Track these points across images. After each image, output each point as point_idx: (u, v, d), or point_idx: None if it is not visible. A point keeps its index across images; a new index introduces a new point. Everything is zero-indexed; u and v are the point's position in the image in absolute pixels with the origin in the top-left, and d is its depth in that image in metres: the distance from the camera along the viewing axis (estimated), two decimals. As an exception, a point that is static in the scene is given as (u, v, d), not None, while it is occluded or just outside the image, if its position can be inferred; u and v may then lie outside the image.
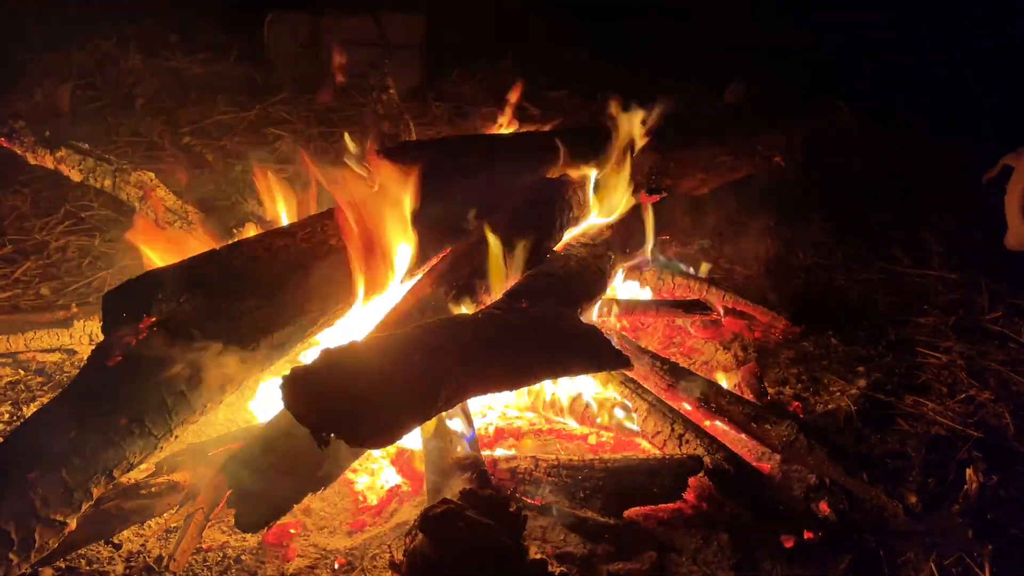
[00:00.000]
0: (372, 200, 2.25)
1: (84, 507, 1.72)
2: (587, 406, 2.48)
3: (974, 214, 3.99)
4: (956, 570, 2.05)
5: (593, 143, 2.90)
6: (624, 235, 2.81)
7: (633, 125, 2.91)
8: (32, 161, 3.48)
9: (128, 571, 1.96)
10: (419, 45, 5.60)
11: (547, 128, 3.11)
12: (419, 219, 2.29)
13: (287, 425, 1.87)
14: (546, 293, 2.29)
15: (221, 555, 2.02)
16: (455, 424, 2.13)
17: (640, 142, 2.90)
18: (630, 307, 2.94)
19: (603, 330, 2.22)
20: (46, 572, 1.90)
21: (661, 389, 2.59)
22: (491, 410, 2.57)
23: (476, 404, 2.52)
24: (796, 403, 2.67)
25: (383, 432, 1.52)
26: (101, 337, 1.92)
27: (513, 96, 2.99)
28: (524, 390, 2.54)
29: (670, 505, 2.17)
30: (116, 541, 2.03)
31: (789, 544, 2.07)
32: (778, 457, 2.40)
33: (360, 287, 2.25)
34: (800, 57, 5.75)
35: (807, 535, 2.09)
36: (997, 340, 3.07)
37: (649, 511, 2.16)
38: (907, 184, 4.42)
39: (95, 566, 1.96)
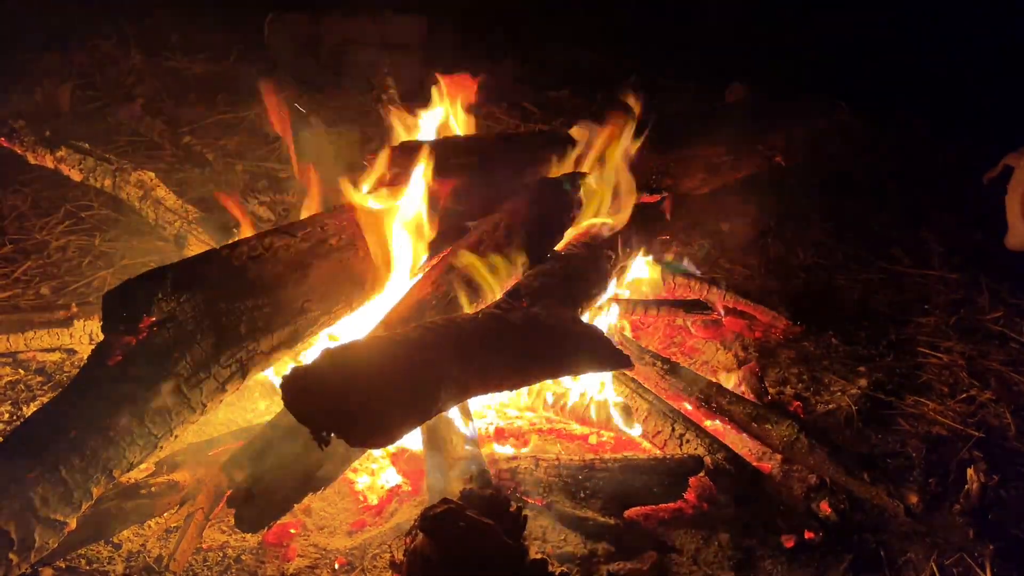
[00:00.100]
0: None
1: (84, 507, 1.72)
2: (587, 406, 2.48)
3: (974, 214, 3.99)
4: (957, 570, 2.05)
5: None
6: (625, 235, 2.80)
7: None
8: (32, 161, 3.47)
9: (128, 571, 1.96)
10: (419, 45, 5.60)
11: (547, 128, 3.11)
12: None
13: (287, 425, 1.87)
14: (546, 293, 2.29)
15: (221, 555, 2.02)
16: (455, 424, 2.13)
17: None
18: (630, 307, 2.94)
19: (603, 330, 2.22)
20: (46, 572, 1.90)
21: (661, 389, 2.59)
22: (491, 410, 2.57)
23: (476, 404, 2.52)
24: (797, 403, 2.67)
25: (383, 432, 1.52)
26: (101, 337, 1.92)
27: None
28: (524, 390, 2.53)
29: (670, 505, 2.17)
30: (116, 541, 2.03)
31: (790, 544, 2.07)
32: (779, 457, 2.40)
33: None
34: (800, 57, 5.76)
35: (808, 535, 2.09)
36: (998, 340, 3.07)
37: (649, 511, 2.16)
38: (907, 184, 4.42)
39: (95, 566, 1.96)
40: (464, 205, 2.59)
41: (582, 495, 2.13)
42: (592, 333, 2.08)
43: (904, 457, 2.44)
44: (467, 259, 2.31)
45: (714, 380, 2.66)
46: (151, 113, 4.83)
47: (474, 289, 2.32)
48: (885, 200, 4.23)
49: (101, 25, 5.56)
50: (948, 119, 5.03)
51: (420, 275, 2.43)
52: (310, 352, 2.43)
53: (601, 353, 2.06)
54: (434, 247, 2.47)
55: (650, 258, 3.12)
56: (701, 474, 2.19)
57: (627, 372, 2.49)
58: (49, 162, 3.46)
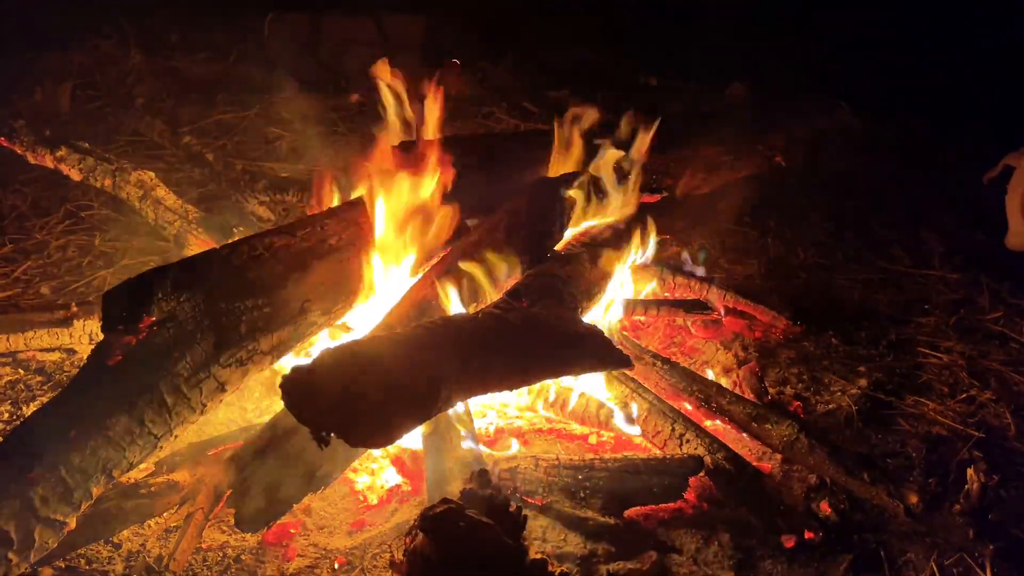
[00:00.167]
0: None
1: (84, 507, 1.72)
2: (587, 405, 2.48)
3: (974, 214, 3.99)
4: (957, 570, 2.05)
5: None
6: (625, 235, 2.80)
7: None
8: (32, 160, 3.47)
9: (128, 571, 1.95)
10: (419, 45, 5.60)
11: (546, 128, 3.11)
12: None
13: (287, 425, 1.87)
14: (546, 293, 2.29)
15: (221, 555, 2.02)
16: (455, 424, 2.13)
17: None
18: (631, 307, 2.94)
19: (603, 330, 2.22)
20: (46, 572, 1.89)
21: (661, 389, 2.59)
22: (491, 410, 2.57)
23: (476, 404, 2.52)
24: (797, 403, 2.67)
25: (383, 432, 1.52)
26: (101, 336, 1.92)
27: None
28: (524, 390, 2.53)
29: (670, 505, 2.17)
30: (116, 541, 2.03)
31: (790, 544, 2.07)
32: (779, 457, 2.40)
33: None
34: (800, 57, 5.76)
35: (808, 535, 2.09)
36: (998, 340, 3.07)
37: (649, 511, 2.16)
38: (907, 184, 4.42)
39: (95, 565, 1.96)
40: (464, 205, 2.58)
41: (582, 495, 2.13)
42: (592, 333, 2.08)
43: (904, 457, 2.44)
44: (467, 259, 2.31)
45: (714, 379, 2.66)
46: (151, 113, 4.83)
47: (474, 289, 2.32)
48: (885, 200, 4.23)
49: (101, 25, 5.56)
50: (948, 119, 5.03)
51: (420, 275, 2.43)
52: (310, 352, 2.43)
53: (601, 353, 2.06)
54: (434, 247, 2.47)
55: (650, 258, 3.12)
56: (701, 474, 2.19)
57: (627, 372, 2.49)
58: (49, 162, 3.46)
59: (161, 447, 1.87)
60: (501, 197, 2.64)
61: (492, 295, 2.33)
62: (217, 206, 3.70)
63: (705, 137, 3.73)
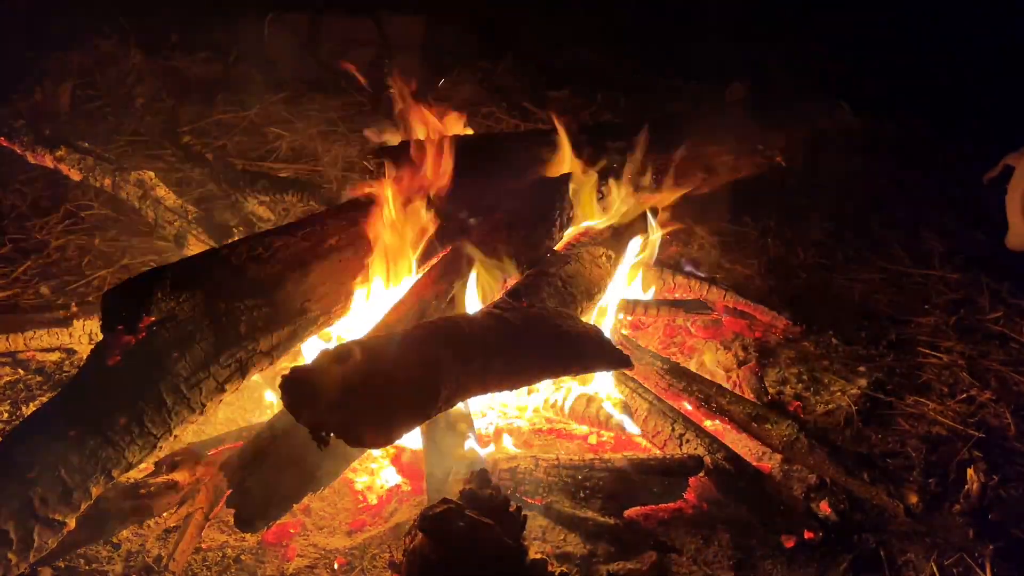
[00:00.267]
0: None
1: (83, 507, 1.72)
2: (587, 406, 2.48)
3: (974, 214, 3.99)
4: (957, 570, 2.05)
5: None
6: (625, 235, 2.80)
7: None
8: (32, 160, 3.47)
9: (127, 571, 1.95)
10: (419, 45, 5.60)
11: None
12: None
13: (287, 425, 1.87)
14: (546, 292, 2.29)
15: (221, 555, 2.02)
16: (455, 423, 2.13)
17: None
18: (630, 307, 2.94)
19: (603, 329, 2.22)
20: (45, 572, 1.89)
21: (661, 389, 2.59)
22: (491, 410, 2.57)
23: (476, 404, 2.52)
24: (796, 403, 2.67)
25: (383, 432, 1.52)
26: (100, 336, 1.92)
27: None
28: (524, 390, 2.53)
29: (670, 505, 2.17)
30: (115, 541, 2.03)
31: (790, 544, 2.07)
32: (779, 457, 2.40)
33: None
34: (800, 57, 5.75)
35: (808, 535, 2.09)
36: (998, 340, 3.06)
37: (649, 511, 2.16)
38: (907, 184, 4.42)
39: (94, 566, 1.96)
40: (464, 204, 2.58)
41: (582, 495, 2.13)
42: (592, 333, 2.08)
43: (904, 457, 2.44)
44: (468, 258, 2.30)
45: (714, 380, 2.66)
46: (151, 113, 4.83)
47: (474, 289, 2.32)
48: (885, 200, 4.23)
49: (101, 25, 5.55)
50: (948, 119, 5.02)
51: (420, 275, 2.43)
52: (310, 352, 2.43)
53: (601, 353, 2.06)
54: (434, 247, 2.47)
55: (650, 258, 3.11)
56: (701, 474, 2.19)
57: (627, 372, 2.49)
58: (49, 162, 3.46)
59: (160, 447, 1.87)
60: (501, 197, 2.64)
61: (492, 295, 2.33)
62: (217, 206, 3.70)
63: (705, 137, 3.72)
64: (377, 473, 2.31)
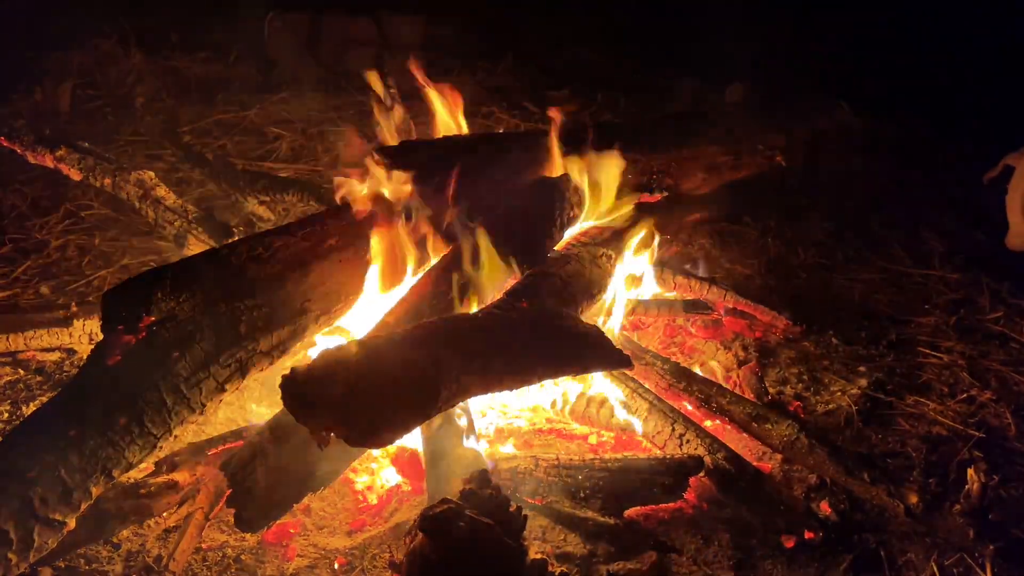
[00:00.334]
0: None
1: (83, 507, 1.72)
2: (587, 405, 2.48)
3: (974, 214, 3.99)
4: (957, 570, 2.05)
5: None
6: (625, 235, 2.80)
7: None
8: (32, 160, 3.47)
9: (127, 571, 1.95)
10: (419, 45, 5.60)
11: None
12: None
13: (287, 424, 1.87)
14: (546, 292, 2.29)
15: (221, 555, 2.02)
16: (455, 423, 2.13)
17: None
18: (631, 307, 2.94)
19: (603, 329, 2.21)
20: (45, 572, 1.89)
21: (661, 389, 2.59)
22: (491, 410, 2.57)
23: (476, 404, 2.52)
24: (797, 403, 2.67)
25: (383, 432, 1.52)
26: (100, 336, 1.92)
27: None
28: (524, 389, 2.53)
29: (670, 505, 2.17)
30: (115, 541, 2.03)
31: (790, 544, 2.07)
32: (779, 457, 2.40)
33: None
34: (800, 57, 5.75)
35: (808, 535, 2.09)
36: (998, 340, 3.06)
37: (649, 511, 2.16)
38: (907, 184, 4.42)
39: (94, 566, 1.96)
40: (464, 204, 2.58)
41: (582, 495, 2.13)
42: (592, 333, 2.08)
43: (904, 457, 2.44)
44: (467, 259, 2.30)
45: (714, 380, 2.66)
46: (151, 113, 4.84)
47: (474, 289, 2.31)
48: (885, 200, 4.23)
49: (101, 25, 5.56)
50: (948, 119, 5.03)
51: (420, 275, 2.43)
52: (310, 351, 2.43)
53: (601, 353, 2.06)
54: (434, 246, 2.47)
55: (650, 258, 3.11)
56: (701, 474, 2.19)
57: (627, 372, 2.49)
58: (49, 162, 3.46)
59: (160, 447, 1.87)
60: (501, 197, 2.64)
61: (492, 295, 2.33)
62: (217, 206, 3.70)
63: (705, 137, 3.72)
64: (377, 473, 2.31)
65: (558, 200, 2.66)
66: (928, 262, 3.64)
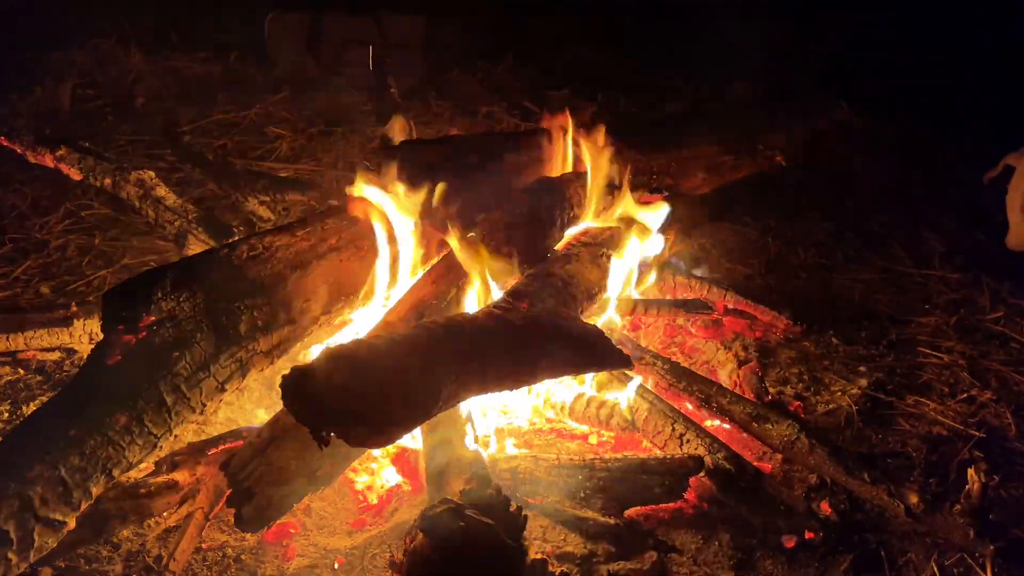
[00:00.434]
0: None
1: (83, 506, 1.72)
2: (587, 405, 2.48)
3: (974, 214, 3.99)
4: (958, 570, 2.05)
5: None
6: (625, 235, 2.80)
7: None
8: (32, 160, 3.48)
9: (127, 571, 1.95)
10: (419, 45, 5.60)
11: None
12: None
13: (287, 424, 1.87)
14: (547, 292, 2.29)
15: (221, 555, 2.02)
16: (455, 423, 2.13)
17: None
18: (631, 307, 2.94)
19: (604, 329, 2.21)
20: (45, 572, 1.89)
21: (661, 389, 2.59)
22: (491, 410, 2.57)
23: (476, 404, 2.51)
24: (797, 403, 2.67)
25: (383, 432, 1.52)
26: (101, 336, 1.92)
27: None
28: (525, 389, 2.53)
29: (671, 505, 2.17)
30: (115, 541, 2.03)
31: (790, 544, 2.07)
32: (779, 457, 2.40)
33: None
34: (800, 57, 5.75)
35: (808, 535, 2.09)
36: (998, 340, 3.07)
37: (650, 511, 2.16)
38: (907, 184, 4.42)
39: (94, 566, 1.96)
40: (464, 204, 2.58)
41: (582, 495, 2.13)
42: (592, 333, 2.08)
43: (904, 457, 2.44)
44: (468, 258, 2.30)
45: (714, 380, 2.66)
46: (151, 113, 4.84)
47: (474, 289, 2.32)
48: (885, 200, 4.23)
49: (101, 25, 5.56)
50: (948, 119, 5.03)
51: (420, 275, 2.43)
52: (310, 351, 2.43)
53: (601, 352, 2.06)
54: (435, 247, 2.47)
55: (650, 258, 3.12)
56: (701, 474, 2.19)
57: (627, 372, 2.49)
58: (49, 161, 3.46)
59: (161, 447, 1.87)
60: (501, 197, 2.64)
61: (492, 295, 2.33)
62: (217, 206, 3.70)
63: (705, 137, 3.72)
64: (377, 473, 2.31)
65: (558, 200, 2.66)
66: (928, 262, 3.64)
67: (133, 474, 2.02)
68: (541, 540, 2.05)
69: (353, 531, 2.13)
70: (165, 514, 2.09)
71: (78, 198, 3.77)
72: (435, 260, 2.48)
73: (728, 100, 5.14)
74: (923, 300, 3.34)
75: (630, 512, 2.14)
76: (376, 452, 2.34)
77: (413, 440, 2.25)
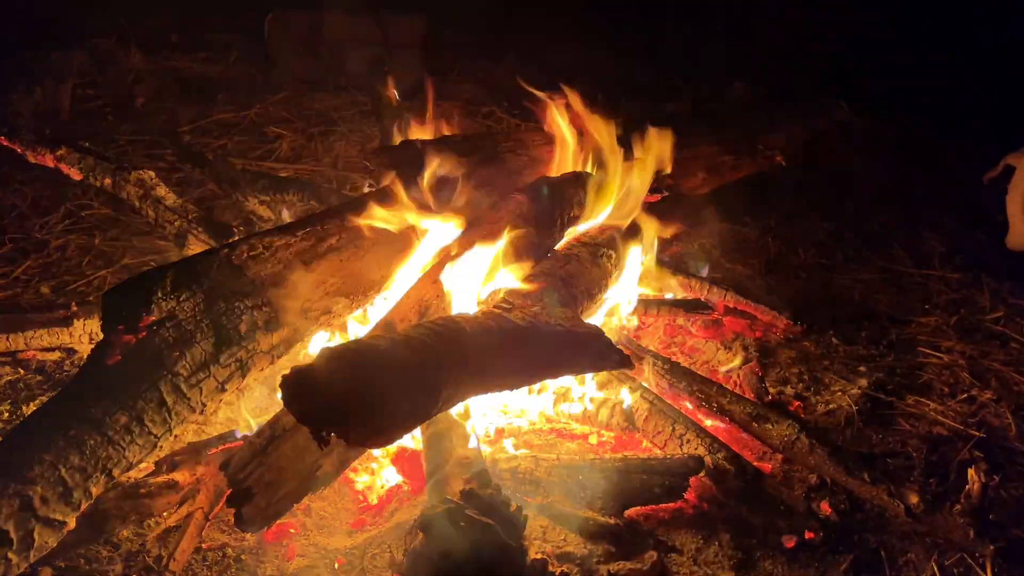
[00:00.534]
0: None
1: (83, 506, 1.72)
2: (587, 406, 2.48)
3: (974, 214, 3.99)
4: (958, 570, 2.05)
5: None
6: (625, 234, 2.79)
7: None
8: (32, 160, 3.47)
9: (127, 571, 1.95)
10: (419, 45, 5.60)
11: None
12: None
13: (287, 424, 1.87)
14: (547, 292, 2.29)
15: (221, 555, 2.02)
16: (455, 423, 2.13)
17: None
18: (631, 307, 2.94)
19: (604, 329, 2.21)
20: (45, 572, 1.89)
21: (661, 389, 2.59)
22: (491, 410, 2.57)
23: (476, 404, 2.51)
24: (797, 403, 2.67)
25: (383, 432, 1.52)
26: (101, 336, 1.92)
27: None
28: (525, 390, 2.53)
29: (671, 505, 2.17)
30: (115, 541, 2.03)
31: (790, 544, 2.07)
32: (779, 457, 2.40)
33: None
34: (800, 57, 5.75)
35: (808, 535, 2.09)
36: (998, 340, 3.07)
37: (650, 511, 2.16)
38: (907, 184, 4.42)
39: (94, 566, 1.96)
40: (464, 204, 2.58)
41: (582, 495, 2.13)
42: (592, 333, 2.08)
43: (904, 457, 2.44)
44: (467, 258, 2.30)
45: (714, 380, 2.66)
46: (151, 113, 4.83)
47: (474, 289, 2.31)
48: (885, 200, 4.23)
49: (101, 25, 5.56)
50: (948, 119, 5.03)
51: (420, 275, 2.43)
52: (310, 351, 2.43)
53: (602, 353, 2.06)
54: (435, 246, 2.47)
55: (650, 258, 3.11)
56: (702, 474, 2.19)
57: (627, 372, 2.49)
58: (49, 161, 3.46)
59: (161, 447, 1.87)
60: (502, 197, 2.64)
61: (492, 295, 2.32)
62: (217, 206, 3.70)
63: (705, 137, 3.72)
64: (377, 473, 2.31)
65: (558, 200, 2.66)
66: (928, 262, 3.64)
67: (133, 474, 2.02)
68: (541, 540, 2.05)
69: (353, 531, 2.13)
70: (165, 514, 2.09)
71: (78, 198, 3.77)
72: (435, 260, 2.48)
73: (728, 100, 5.14)
74: (923, 300, 3.34)
75: (630, 512, 2.14)
76: (376, 452, 2.34)
77: (413, 440, 2.25)
